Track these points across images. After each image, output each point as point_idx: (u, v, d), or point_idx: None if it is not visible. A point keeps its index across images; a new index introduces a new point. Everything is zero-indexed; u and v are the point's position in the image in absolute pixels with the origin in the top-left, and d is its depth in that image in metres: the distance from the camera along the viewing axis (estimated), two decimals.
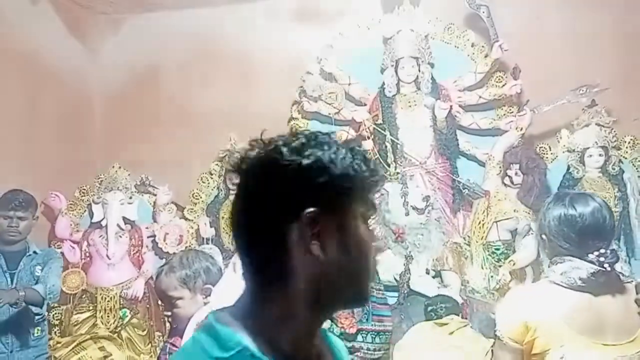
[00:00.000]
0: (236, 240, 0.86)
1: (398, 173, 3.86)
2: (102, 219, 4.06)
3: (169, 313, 1.96)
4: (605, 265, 1.61)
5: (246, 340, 0.79)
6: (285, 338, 0.81)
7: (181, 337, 1.86)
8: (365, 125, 3.99)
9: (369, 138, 4.05)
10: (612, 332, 1.59)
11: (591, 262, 1.62)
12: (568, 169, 3.86)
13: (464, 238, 3.87)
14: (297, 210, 0.79)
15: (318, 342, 0.89)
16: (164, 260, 4.16)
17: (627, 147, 3.91)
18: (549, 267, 1.72)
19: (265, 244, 0.82)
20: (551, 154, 3.99)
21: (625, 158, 3.90)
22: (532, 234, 3.71)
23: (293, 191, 0.80)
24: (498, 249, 3.77)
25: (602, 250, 1.63)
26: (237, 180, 0.86)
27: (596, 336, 1.58)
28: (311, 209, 0.79)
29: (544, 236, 1.73)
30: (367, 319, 3.08)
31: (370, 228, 0.87)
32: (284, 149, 0.82)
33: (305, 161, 0.81)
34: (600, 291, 1.62)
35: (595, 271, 1.61)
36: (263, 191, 0.82)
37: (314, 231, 0.80)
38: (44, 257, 3.41)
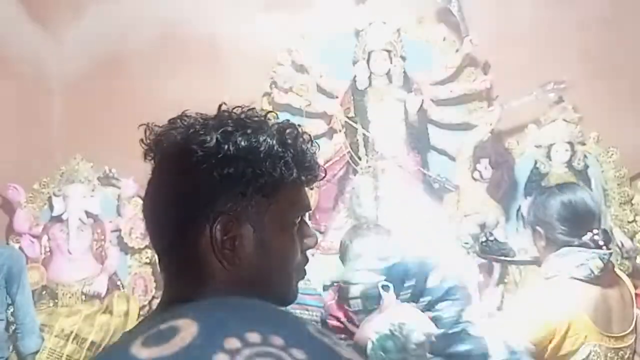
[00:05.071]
0: (152, 237, 0.78)
1: (369, 167, 3.84)
2: (63, 212, 3.93)
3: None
4: (602, 245, 1.64)
5: None
6: None
7: None
8: (336, 118, 3.97)
9: (340, 131, 4.02)
10: (616, 323, 1.63)
11: (587, 243, 1.64)
12: (535, 164, 3.93)
13: None
14: (210, 214, 0.71)
15: None
16: (128, 256, 4.10)
17: (592, 143, 4.00)
18: (551, 262, 1.69)
19: (178, 246, 0.74)
20: (519, 149, 4.04)
21: (590, 153, 3.99)
22: (500, 227, 3.77)
23: (205, 192, 0.71)
24: (467, 243, 3.80)
25: (595, 230, 1.67)
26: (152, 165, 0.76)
27: (606, 328, 1.62)
28: (225, 215, 0.71)
29: (538, 227, 1.72)
30: None
31: (302, 226, 0.79)
32: (206, 138, 0.72)
33: (223, 156, 0.71)
34: (607, 282, 1.66)
35: (608, 258, 1.62)
36: (174, 186, 0.74)
37: (227, 238, 0.72)
38: None
